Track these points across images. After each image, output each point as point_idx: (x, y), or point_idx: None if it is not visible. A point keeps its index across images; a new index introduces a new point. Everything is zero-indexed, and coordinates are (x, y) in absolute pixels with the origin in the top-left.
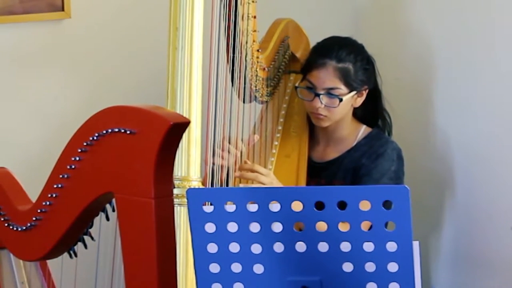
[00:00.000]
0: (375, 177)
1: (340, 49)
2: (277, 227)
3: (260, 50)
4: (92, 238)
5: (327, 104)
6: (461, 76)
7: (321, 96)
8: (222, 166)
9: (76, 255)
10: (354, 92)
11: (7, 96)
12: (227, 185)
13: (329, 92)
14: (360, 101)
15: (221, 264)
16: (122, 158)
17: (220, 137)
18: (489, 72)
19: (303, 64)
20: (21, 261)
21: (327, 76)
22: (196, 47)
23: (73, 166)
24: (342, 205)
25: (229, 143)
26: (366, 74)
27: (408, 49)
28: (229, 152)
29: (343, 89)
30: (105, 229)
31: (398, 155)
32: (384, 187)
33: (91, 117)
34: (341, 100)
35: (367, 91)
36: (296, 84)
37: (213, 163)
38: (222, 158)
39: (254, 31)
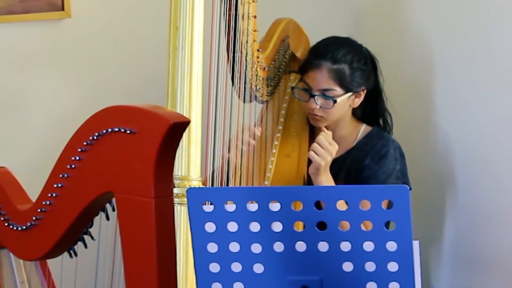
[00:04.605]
0: (381, 178)
1: (336, 50)
2: (277, 226)
3: (260, 50)
4: (92, 238)
5: (322, 105)
6: (461, 76)
7: (316, 97)
8: (222, 166)
9: (76, 255)
10: (350, 94)
11: (7, 96)
12: (227, 184)
13: (324, 94)
14: (358, 101)
15: (221, 263)
16: (122, 158)
17: (220, 136)
18: (488, 72)
19: (300, 65)
20: (21, 260)
21: (321, 78)
22: (196, 46)
23: (73, 166)
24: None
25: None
26: (363, 75)
27: (408, 49)
28: (229, 151)
29: (338, 90)
30: (105, 228)
31: (400, 153)
32: (384, 186)
33: (91, 117)
34: (335, 101)
35: (365, 91)
36: (293, 85)
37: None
38: (222, 163)
39: (255, 30)
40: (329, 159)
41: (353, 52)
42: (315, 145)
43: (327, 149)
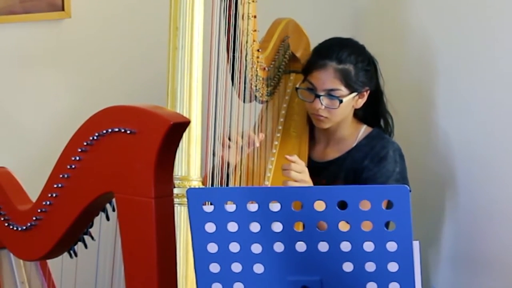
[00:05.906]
0: (380, 180)
1: (340, 50)
2: (277, 226)
3: (260, 50)
4: (92, 238)
5: (328, 106)
6: (462, 77)
7: (321, 97)
8: (222, 164)
9: (76, 255)
10: (354, 94)
11: (7, 96)
12: (227, 184)
13: (330, 94)
14: (361, 102)
15: (221, 264)
16: (122, 158)
17: (220, 137)
18: (489, 72)
19: (304, 65)
20: (21, 260)
21: (327, 77)
22: (196, 46)
23: (73, 166)
24: (342, 205)
25: (229, 139)
26: (367, 76)
27: (409, 50)
28: (229, 147)
29: (343, 90)
30: (105, 228)
31: (400, 155)
32: (384, 187)
33: (91, 117)
34: (341, 101)
35: (368, 92)
36: (297, 85)
37: (213, 163)
38: (223, 158)
39: (254, 30)
40: None
41: (357, 53)
42: (289, 183)
43: (300, 180)
